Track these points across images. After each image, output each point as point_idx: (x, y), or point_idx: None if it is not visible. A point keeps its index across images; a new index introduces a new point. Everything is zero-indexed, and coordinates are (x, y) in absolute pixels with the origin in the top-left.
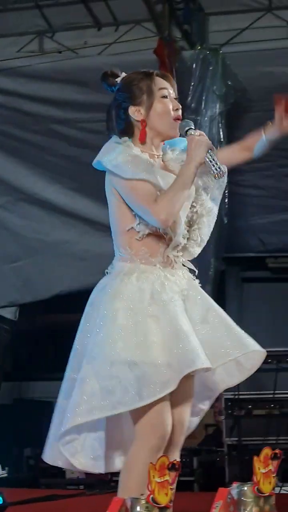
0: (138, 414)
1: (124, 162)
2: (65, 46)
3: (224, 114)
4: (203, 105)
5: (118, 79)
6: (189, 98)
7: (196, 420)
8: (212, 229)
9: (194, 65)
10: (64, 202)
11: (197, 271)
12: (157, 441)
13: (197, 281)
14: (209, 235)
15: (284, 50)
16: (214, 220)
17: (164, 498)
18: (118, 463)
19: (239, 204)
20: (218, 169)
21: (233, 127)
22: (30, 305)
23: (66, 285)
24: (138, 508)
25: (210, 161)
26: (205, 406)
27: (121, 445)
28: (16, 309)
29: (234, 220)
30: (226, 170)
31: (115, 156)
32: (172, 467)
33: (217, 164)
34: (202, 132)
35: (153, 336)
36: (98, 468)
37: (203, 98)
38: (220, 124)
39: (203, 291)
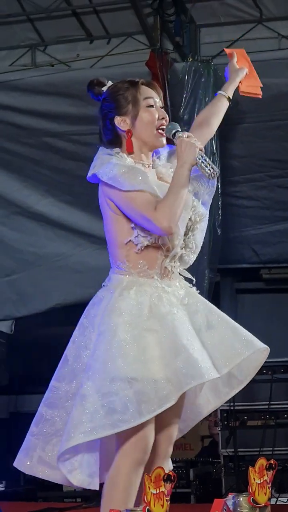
0: None
1: (120, 174)
2: (57, 59)
3: None
4: (195, 117)
5: (104, 88)
6: (182, 110)
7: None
8: (204, 234)
9: (186, 77)
10: (58, 215)
11: (194, 279)
12: (139, 455)
13: (194, 288)
14: (202, 240)
15: (275, 61)
16: (206, 225)
17: (160, 509)
18: (105, 477)
19: (232, 215)
20: (211, 169)
21: (225, 138)
22: (25, 319)
23: (61, 298)
24: None
25: (202, 162)
26: (183, 427)
27: (109, 459)
28: (12, 322)
29: (228, 231)
30: (217, 170)
31: (110, 168)
32: (167, 478)
33: (209, 164)
34: (190, 134)
35: (152, 351)
36: (94, 485)
37: (196, 109)
38: (212, 136)
39: (201, 297)
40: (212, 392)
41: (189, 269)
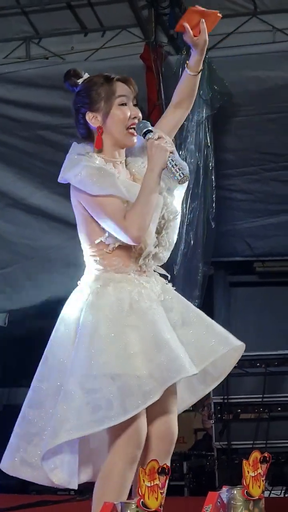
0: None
1: (88, 176)
2: (52, 52)
3: (211, 118)
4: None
5: (80, 80)
6: None
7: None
8: (178, 230)
9: (180, 70)
10: (52, 208)
11: (169, 276)
12: (132, 451)
13: (170, 284)
14: (176, 237)
15: (269, 54)
16: (179, 222)
17: (154, 502)
18: (83, 476)
19: (226, 208)
20: (182, 175)
21: (220, 132)
22: (19, 311)
23: (55, 290)
24: None
25: (173, 166)
26: None
27: (88, 458)
28: (5, 315)
29: (222, 225)
30: (188, 172)
31: (79, 171)
32: (162, 471)
33: (180, 169)
34: (162, 134)
35: (134, 347)
36: (73, 484)
37: None
38: (207, 129)
39: (178, 293)
40: (187, 390)
41: (183, 262)
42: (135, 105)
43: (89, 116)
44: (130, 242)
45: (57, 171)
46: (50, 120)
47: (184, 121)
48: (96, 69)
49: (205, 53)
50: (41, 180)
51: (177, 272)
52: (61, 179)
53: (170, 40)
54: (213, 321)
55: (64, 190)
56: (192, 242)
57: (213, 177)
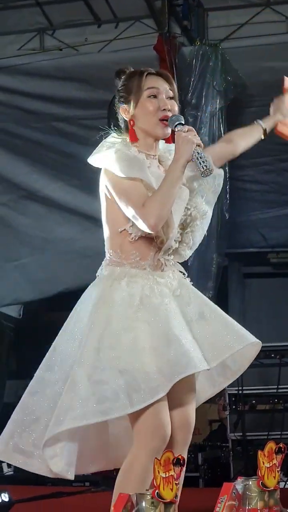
0: (136, 417)
1: (119, 158)
2: (66, 43)
3: (225, 109)
4: (203, 101)
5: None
6: (189, 94)
7: (194, 413)
8: (205, 232)
9: (194, 61)
10: (66, 199)
11: (186, 273)
12: (157, 443)
13: (188, 279)
14: (202, 238)
15: (283, 44)
16: (208, 223)
17: (169, 493)
18: (97, 466)
19: (240, 199)
20: (205, 167)
21: (234, 123)
22: (34, 303)
23: (69, 282)
24: (143, 504)
25: (197, 158)
26: None
27: (103, 448)
28: (20, 307)
29: (236, 216)
30: (213, 167)
31: (111, 153)
32: (177, 462)
33: (204, 161)
34: (191, 128)
35: (143, 342)
36: (70, 474)
37: (203, 94)
38: (220, 120)
39: (195, 289)
40: (207, 381)
41: (197, 253)
42: (170, 98)
43: (121, 109)
44: (147, 230)
45: (71, 163)
46: (64, 111)
47: (198, 112)
48: (109, 61)
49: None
50: (56, 172)
51: (191, 263)
52: (91, 159)
53: (184, 31)
54: (229, 317)
55: (79, 182)
56: (206, 233)
57: (227, 168)
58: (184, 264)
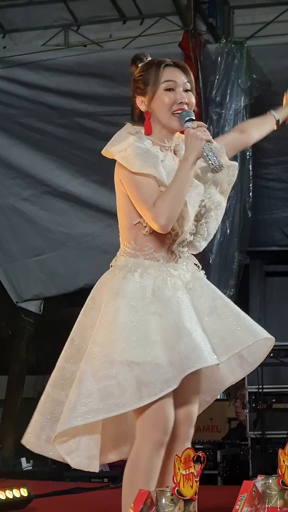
0: (140, 409)
1: (133, 153)
2: (90, 39)
3: (249, 107)
4: (227, 99)
5: (140, 64)
6: (214, 92)
7: (197, 412)
8: (219, 222)
9: (219, 59)
10: (89, 195)
11: (200, 266)
12: (159, 436)
13: (202, 272)
14: (216, 228)
15: None
16: (222, 214)
17: (189, 490)
18: (111, 456)
19: (263, 197)
20: (214, 163)
21: None
22: (54, 298)
23: (90, 278)
24: (163, 500)
25: (207, 155)
26: (209, 398)
27: (121, 437)
28: (40, 302)
29: (258, 214)
30: (223, 163)
31: (125, 147)
32: (197, 459)
33: (213, 158)
34: (201, 123)
35: (154, 334)
36: (93, 467)
37: (228, 91)
38: (245, 118)
39: (208, 282)
40: (228, 368)
41: (219, 251)
42: (188, 91)
43: (138, 100)
44: (158, 230)
45: (94, 159)
46: (87, 107)
47: (222, 110)
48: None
49: None
50: (78, 168)
51: (213, 261)
52: (105, 151)
53: (209, 28)
54: (242, 311)
55: (101, 178)
56: (228, 231)
57: (250, 166)
58: (205, 261)
